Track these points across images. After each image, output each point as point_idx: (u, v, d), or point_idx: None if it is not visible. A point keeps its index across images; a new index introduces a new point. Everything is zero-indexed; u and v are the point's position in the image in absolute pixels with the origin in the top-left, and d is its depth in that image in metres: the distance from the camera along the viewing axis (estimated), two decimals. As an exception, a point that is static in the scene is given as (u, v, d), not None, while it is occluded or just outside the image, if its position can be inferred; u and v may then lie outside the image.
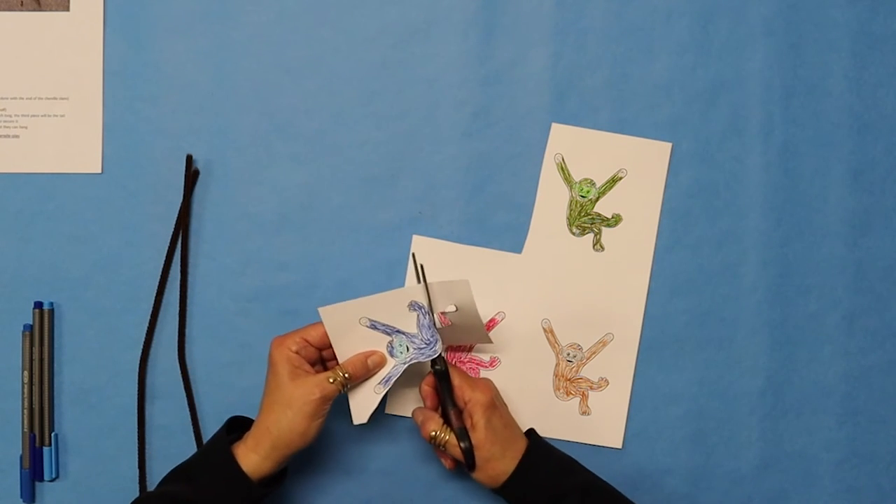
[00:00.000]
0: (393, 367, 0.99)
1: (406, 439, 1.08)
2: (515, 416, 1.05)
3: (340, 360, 0.98)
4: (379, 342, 0.99)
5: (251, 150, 1.08)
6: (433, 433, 0.99)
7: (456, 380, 0.99)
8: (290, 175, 1.08)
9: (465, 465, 0.98)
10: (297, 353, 0.96)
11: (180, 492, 0.94)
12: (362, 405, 0.99)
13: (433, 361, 0.99)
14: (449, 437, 0.98)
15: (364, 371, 0.98)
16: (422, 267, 1.02)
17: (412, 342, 0.99)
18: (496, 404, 0.99)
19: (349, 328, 0.97)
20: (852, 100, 1.09)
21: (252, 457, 0.94)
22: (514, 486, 0.97)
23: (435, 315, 0.99)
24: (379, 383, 0.99)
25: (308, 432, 0.95)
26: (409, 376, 1.02)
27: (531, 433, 1.02)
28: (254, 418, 0.98)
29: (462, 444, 0.97)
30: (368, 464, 1.08)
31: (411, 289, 0.98)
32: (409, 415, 1.06)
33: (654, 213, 1.08)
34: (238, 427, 0.99)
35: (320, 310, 0.97)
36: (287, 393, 0.94)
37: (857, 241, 1.09)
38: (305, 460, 1.07)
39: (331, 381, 0.95)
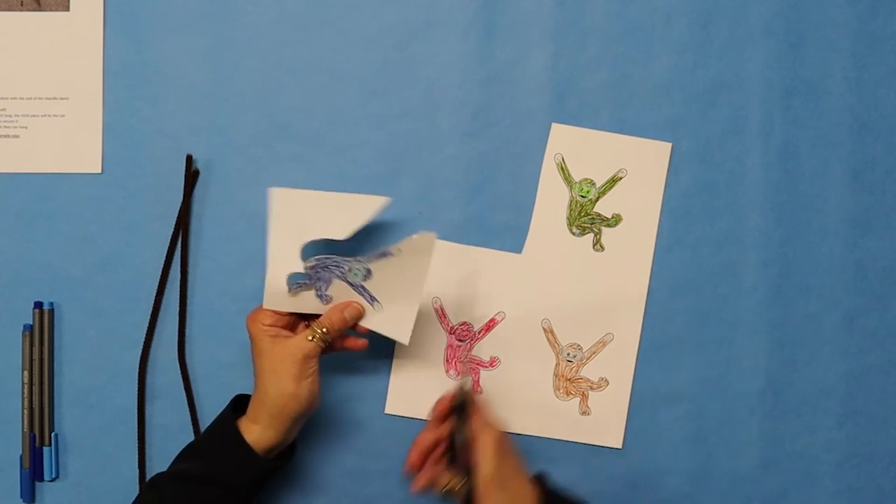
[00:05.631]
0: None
1: (406, 440, 1.07)
2: (515, 415, 1.05)
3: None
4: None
5: (251, 150, 1.08)
6: (446, 487, 0.96)
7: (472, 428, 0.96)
8: (290, 175, 1.08)
9: None
10: (271, 325, 0.97)
11: (191, 469, 0.95)
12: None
13: (455, 398, 0.98)
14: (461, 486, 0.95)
15: (341, 323, 0.98)
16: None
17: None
18: (505, 449, 0.95)
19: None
20: (852, 100, 1.08)
21: (254, 428, 0.95)
22: None
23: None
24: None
25: (299, 393, 0.95)
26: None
27: (541, 479, 0.97)
28: None
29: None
30: (368, 464, 1.08)
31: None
32: (409, 415, 1.06)
33: (654, 213, 1.08)
34: (243, 405, 0.99)
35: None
36: (269, 359, 0.96)
37: (857, 241, 1.08)
38: (305, 460, 1.07)
39: (309, 338, 0.96)
